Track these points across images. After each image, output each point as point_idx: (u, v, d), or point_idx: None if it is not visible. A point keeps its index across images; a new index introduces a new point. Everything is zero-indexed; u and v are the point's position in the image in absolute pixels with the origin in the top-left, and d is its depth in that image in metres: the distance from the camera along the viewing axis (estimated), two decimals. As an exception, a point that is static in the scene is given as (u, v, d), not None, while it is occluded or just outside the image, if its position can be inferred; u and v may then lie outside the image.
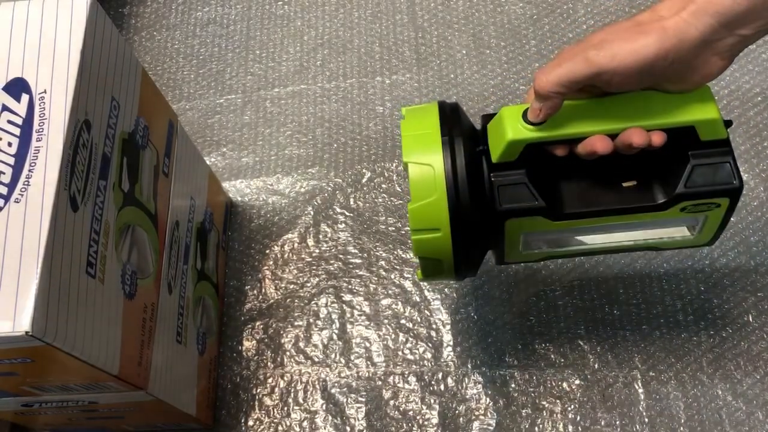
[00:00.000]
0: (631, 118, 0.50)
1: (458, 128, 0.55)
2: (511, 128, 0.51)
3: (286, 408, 0.77)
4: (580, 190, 0.55)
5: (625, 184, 0.55)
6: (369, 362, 0.77)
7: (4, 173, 0.50)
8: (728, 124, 0.52)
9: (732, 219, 0.78)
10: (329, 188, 0.88)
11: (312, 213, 0.87)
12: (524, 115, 0.51)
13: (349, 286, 0.81)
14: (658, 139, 0.50)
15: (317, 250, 0.84)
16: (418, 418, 0.74)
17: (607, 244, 0.59)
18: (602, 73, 0.48)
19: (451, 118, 0.56)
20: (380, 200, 0.86)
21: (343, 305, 0.81)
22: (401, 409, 0.75)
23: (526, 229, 0.56)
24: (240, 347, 0.80)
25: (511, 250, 0.60)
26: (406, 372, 0.76)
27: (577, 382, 0.73)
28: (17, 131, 0.52)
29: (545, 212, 0.53)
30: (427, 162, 0.53)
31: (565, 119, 0.51)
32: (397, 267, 0.81)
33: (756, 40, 0.49)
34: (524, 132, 0.51)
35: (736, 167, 0.52)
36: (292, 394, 0.77)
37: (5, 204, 0.49)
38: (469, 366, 0.76)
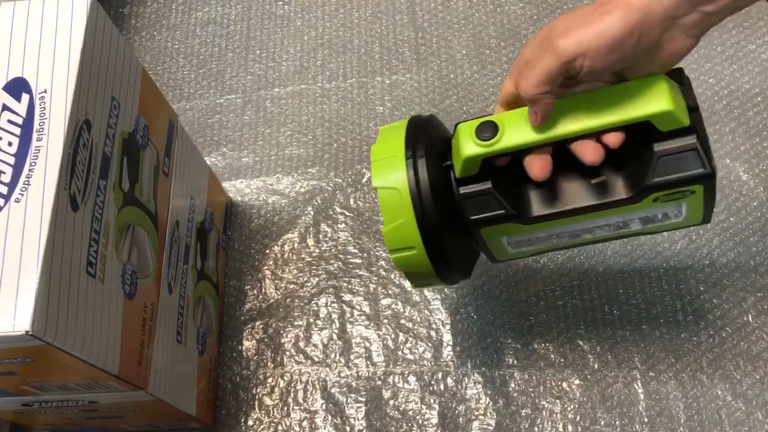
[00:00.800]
0: (580, 121, 0.50)
1: (424, 146, 0.56)
2: (465, 146, 0.52)
3: (285, 408, 0.77)
4: (550, 190, 0.55)
5: (593, 181, 0.54)
6: (369, 362, 0.77)
7: (4, 173, 0.50)
8: (693, 110, 0.50)
9: (732, 219, 0.78)
10: (329, 188, 0.88)
11: (312, 213, 0.87)
12: (477, 130, 0.52)
13: (349, 286, 0.81)
14: (614, 140, 0.50)
15: (317, 250, 0.84)
16: (417, 417, 0.74)
17: (598, 236, 0.59)
18: (573, 61, 0.47)
19: (417, 136, 0.56)
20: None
21: (343, 305, 0.81)
22: (401, 408, 0.75)
23: (504, 234, 0.57)
24: (240, 347, 0.80)
25: (499, 252, 0.60)
26: (406, 372, 0.76)
27: (577, 382, 0.73)
28: (17, 131, 0.52)
29: (515, 218, 0.54)
30: (392, 185, 0.55)
31: (513, 131, 0.51)
32: (397, 267, 0.82)
33: (721, 19, 0.48)
34: (476, 149, 0.52)
35: (705, 152, 0.50)
36: (291, 394, 0.77)
37: (5, 203, 0.49)
38: (469, 366, 0.76)
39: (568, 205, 0.54)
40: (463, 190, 0.54)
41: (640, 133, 0.50)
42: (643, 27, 0.46)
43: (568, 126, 0.50)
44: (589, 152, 0.50)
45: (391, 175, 0.55)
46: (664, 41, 0.48)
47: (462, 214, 0.55)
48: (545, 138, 0.51)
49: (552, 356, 0.75)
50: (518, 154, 0.53)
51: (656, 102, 0.49)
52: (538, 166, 0.52)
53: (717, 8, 0.47)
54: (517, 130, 0.51)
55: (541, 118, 0.50)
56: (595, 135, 0.51)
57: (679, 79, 0.52)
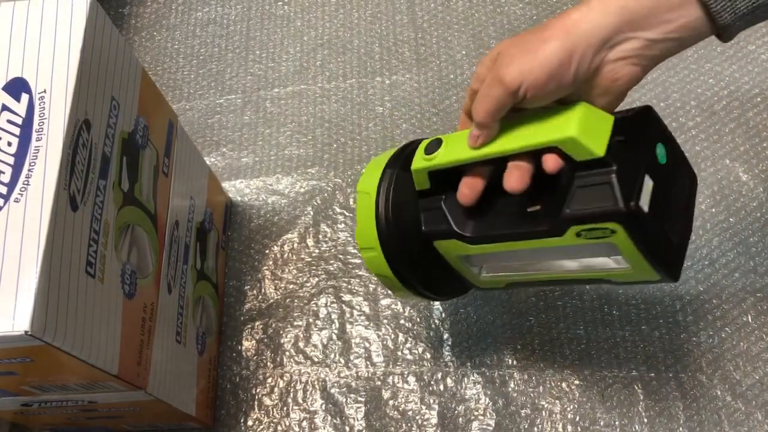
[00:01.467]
0: (499, 143, 0.51)
1: (403, 161, 0.59)
2: (414, 160, 0.56)
3: (285, 408, 0.77)
4: (494, 214, 0.55)
5: (529, 209, 0.53)
6: (368, 362, 0.77)
7: (3, 173, 0.50)
8: (632, 144, 0.48)
9: (731, 219, 0.78)
10: (329, 188, 0.88)
11: (312, 213, 0.87)
12: (426, 146, 0.55)
13: (349, 286, 0.81)
14: (551, 164, 0.49)
15: (317, 250, 0.84)
16: (417, 418, 0.74)
17: (552, 275, 0.57)
18: (515, 92, 0.47)
19: (405, 152, 0.60)
20: (380, 200, 0.86)
21: (343, 305, 0.81)
22: (400, 409, 0.75)
23: (455, 251, 0.58)
24: (239, 347, 0.80)
25: (471, 276, 0.61)
26: (406, 372, 0.76)
27: (577, 382, 0.73)
28: (17, 131, 0.52)
29: (458, 236, 0.56)
30: (366, 190, 0.59)
31: (449, 149, 0.54)
32: (397, 267, 0.82)
33: (667, 52, 0.48)
34: (420, 163, 0.55)
35: (625, 189, 0.47)
36: (291, 394, 0.77)
37: (5, 203, 0.49)
38: (469, 366, 0.76)
39: (499, 230, 0.54)
40: (421, 202, 0.58)
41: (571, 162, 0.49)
42: (581, 54, 0.46)
43: (490, 148, 0.51)
44: (512, 180, 0.50)
45: (369, 181, 0.60)
46: (605, 69, 0.48)
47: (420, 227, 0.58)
48: (469, 157, 0.52)
49: (551, 356, 0.75)
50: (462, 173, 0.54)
51: (563, 128, 0.48)
52: (465, 189, 0.54)
53: (659, 35, 0.46)
54: (452, 149, 0.54)
55: (482, 142, 0.51)
56: (527, 159, 0.50)
57: (645, 116, 0.50)
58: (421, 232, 0.58)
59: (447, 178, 0.55)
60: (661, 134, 0.51)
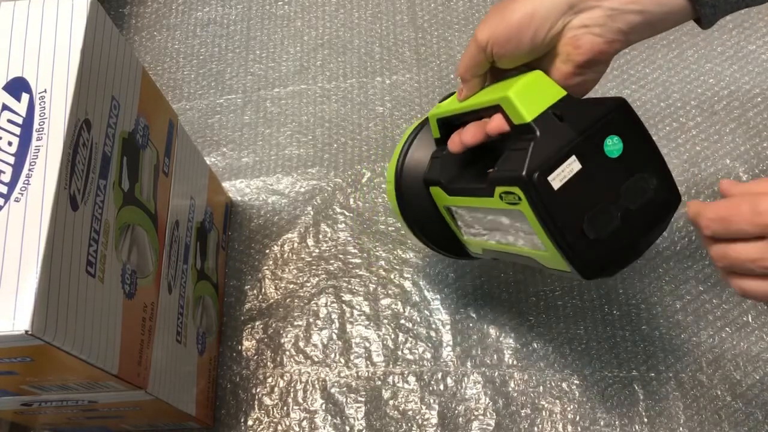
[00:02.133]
0: (471, 100, 0.56)
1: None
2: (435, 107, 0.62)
3: (285, 408, 0.77)
4: (472, 173, 0.59)
5: (489, 171, 0.54)
6: (368, 362, 0.77)
7: (4, 172, 0.50)
8: (556, 116, 0.48)
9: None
10: (329, 188, 0.88)
11: (312, 213, 0.87)
12: (442, 98, 0.61)
13: (349, 286, 0.82)
14: (494, 125, 0.51)
15: (317, 250, 0.84)
16: (417, 417, 0.74)
17: (502, 244, 0.58)
18: (484, 49, 0.51)
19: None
20: (380, 200, 0.86)
21: (343, 305, 0.81)
22: (401, 408, 0.75)
23: (440, 201, 0.63)
24: (240, 347, 0.80)
25: (456, 232, 0.64)
26: (406, 372, 0.76)
27: (577, 382, 0.73)
28: (17, 130, 0.52)
29: (440, 184, 0.61)
30: (406, 133, 0.67)
31: (450, 102, 0.60)
32: (397, 267, 0.82)
33: (634, 28, 0.48)
34: (431, 111, 0.62)
35: (536, 159, 0.47)
36: (291, 394, 0.77)
37: (5, 203, 0.49)
38: (469, 366, 0.76)
39: (463, 185, 0.58)
40: (433, 152, 0.64)
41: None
42: (542, 17, 0.49)
43: (464, 103, 0.57)
44: (466, 135, 0.55)
45: (411, 127, 0.67)
46: (567, 35, 0.49)
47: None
48: (453, 109, 0.58)
49: (552, 356, 0.75)
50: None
51: (506, 89, 0.50)
52: (454, 137, 0.57)
53: (619, 5, 0.47)
54: (451, 101, 0.59)
55: (464, 96, 0.57)
56: (487, 119, 0.54)
57: (617, 108, 0.49)
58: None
59: (452, 130, 0.59)
60: (626, 130, 0.49)
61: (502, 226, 0.56)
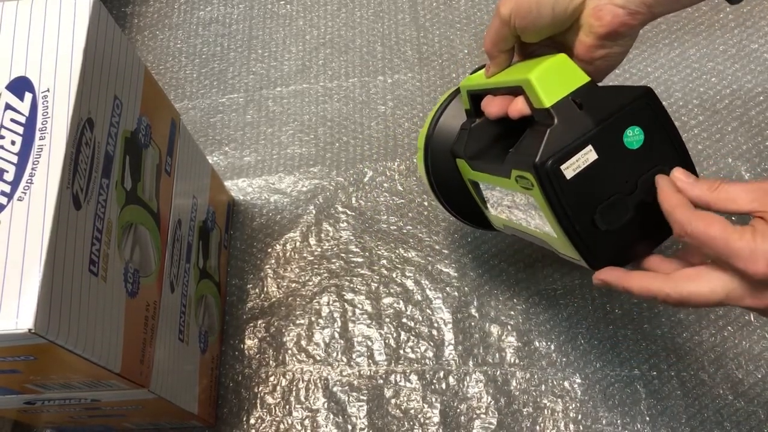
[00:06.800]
0: (497, 77, 0.56)
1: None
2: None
3: (287, 406, 0.77)
4: (496, 150, 0.58)
5: (511, 150, 0.53)
6: (371, 361, 0.77)
7: (7, 171, 0.50)
8: (576, 103, 0.48)
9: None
10: (331, 187, 0.88)
11: (314, 212, 0.87)
12: (474, 70, 0.61)
13: (351, 285, 0.82)
14: (515, 107, 0.51)
15: (319, 249, 0.84)
16: (419, 416, 0.74)
17: (519, 224, 0.58)
18: (508, 22, 0.51)
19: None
20: (382, 199, 0.86)
21: (345, 304, 0.81)
22: (403, 407, 0.75)
23: (465, 174, 0.62)
24: (242, 345, 0.81)
25: (480, 203, 0.64)
26: (408, 371, 0.76)
27: (579, 380, 0.73)
28: (20, 130, 0.52)
29: (464, 157, 0.60)
30: (439, 101, 0.66)
31: (478, 75, 0.59)
32: (399, 266, 0.82)
33: (659, 4, 0.48)
34: (464, 81, 0.61)
35: (551, 146, 0.46)
36: (293, 393, 0.77)
37: (8, 202, 0.49)
38: (471, 365, 0.76)
39: (485, 162, 0.58)
40: (463, 123, 0.63)
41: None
42: None
43: (490, 80, 0.56)
44: (492, 106, 0.55)
45: (444, 96, 0.66)
46: (590, 5, 0.49)
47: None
48: (480, 83, 0.58)
49: (554, 355, 0.75)
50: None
51: (528, 71, 0.49)
52: (491, 105, 0.56)
53: None
54: (480, 76, 0.59)
55: (492, 72, 0.56)
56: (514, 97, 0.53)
57: (640, 98, 0.48)
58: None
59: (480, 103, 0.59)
60: (649, 121, 0.48)
61: (519, 206, 0.55)
